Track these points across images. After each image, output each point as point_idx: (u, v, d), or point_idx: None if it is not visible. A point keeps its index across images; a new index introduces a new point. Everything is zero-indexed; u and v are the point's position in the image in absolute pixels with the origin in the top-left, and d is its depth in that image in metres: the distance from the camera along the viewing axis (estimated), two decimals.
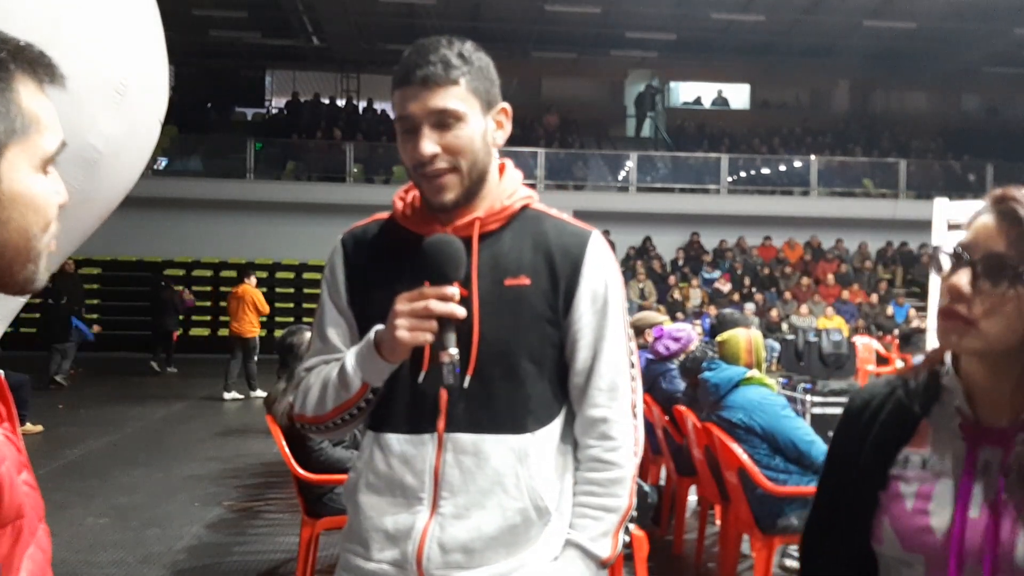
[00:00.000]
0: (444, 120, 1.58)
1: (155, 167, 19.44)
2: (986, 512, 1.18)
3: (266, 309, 13.05)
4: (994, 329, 1.16)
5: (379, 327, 1.59)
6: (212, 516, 6.32)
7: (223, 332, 19.43)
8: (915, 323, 14.22)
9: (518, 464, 1.61)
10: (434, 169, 1.59)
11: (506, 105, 1.68)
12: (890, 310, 17.57)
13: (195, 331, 19.25)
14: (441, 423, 1.62)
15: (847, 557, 1.32)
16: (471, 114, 1.60)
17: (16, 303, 3.66)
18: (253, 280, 13.19)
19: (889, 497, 1.27)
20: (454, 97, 1.58)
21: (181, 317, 17.46)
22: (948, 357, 1.29)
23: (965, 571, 1.19)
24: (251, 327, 12.80)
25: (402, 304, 1.53)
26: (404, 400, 1.65)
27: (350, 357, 1.64)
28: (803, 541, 1.45)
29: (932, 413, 1.29)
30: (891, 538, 1.26)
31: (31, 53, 1.01)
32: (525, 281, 1.64)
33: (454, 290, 1.52)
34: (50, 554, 1.08)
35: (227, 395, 12.56)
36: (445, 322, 1.52)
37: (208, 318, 19.26)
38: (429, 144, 1.58)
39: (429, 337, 1.52)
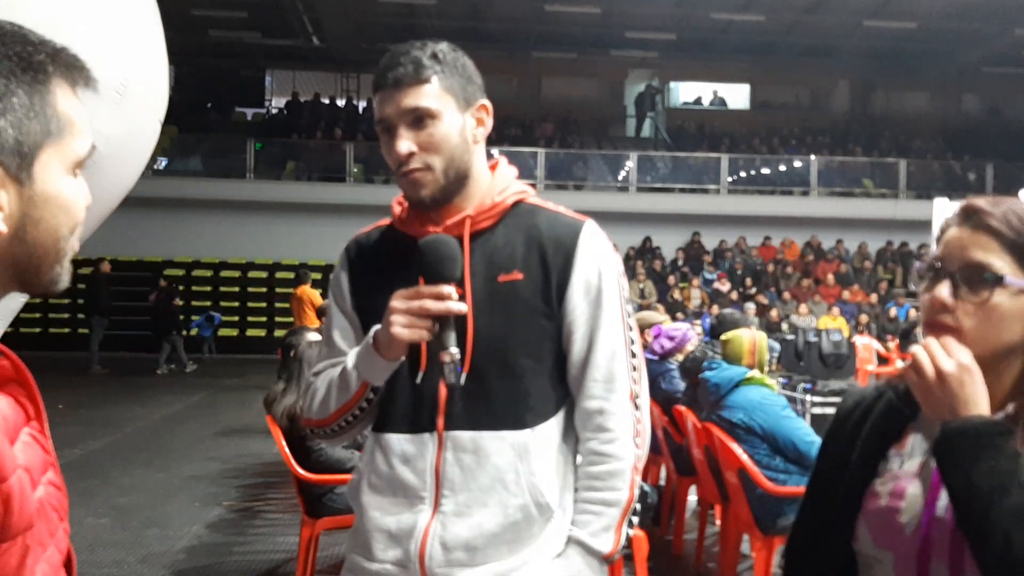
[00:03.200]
0: (418, 118, 1.60)
1: (155, 167, 19.43)
2: (951, 511, 1.21)
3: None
4: (980, 334, 1.21)
5: (377, 327, 1.60)
6: (212, 516, 6.32)
7: (225, 332, 19.53)
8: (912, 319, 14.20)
9: (518, 460, 1.61)
10: (410, 168, 1.61)
11: (486, 102, 1.69)
12: (893, 311, 17.52)
13: (195, 331, 19.22)
14: (440, 421, 1.62)
15: (830, 557, 1.35)
16: (445, 112, 1.62)
17: (16, 303, 3.66)
18: (309, 282, 13.68)
19: (867, 496, 1.31)
20: (426, 95, 1.60)
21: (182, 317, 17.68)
22: None
23: (930, 568, 1.22)
24: (312, 324, 13.39)
25: (397, 301, 1.54)
26: (404, 400, 1.65)
27: (351, 357, 1.65)
28: (789, 540, 1.47)
29: (919, 417, 1.32)
30: (865, 535, 1.30)
31: (68, 57, 1.01)
32: (518, 276, 1.65)
33: (450, 289, 1.53)
34: (65, 553, 1.09)
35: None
36: (444, 322, 1.53)
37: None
38: (405, 143, 1.60)
39: (425, 335, 1.53)
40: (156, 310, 16.83)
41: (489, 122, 1.70)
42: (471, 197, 1.68)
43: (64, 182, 1.00)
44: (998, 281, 1.19)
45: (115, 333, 17.00)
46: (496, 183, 1.71)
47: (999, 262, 1.20)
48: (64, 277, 1.05)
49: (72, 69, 1.02)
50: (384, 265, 1.72)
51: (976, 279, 1.20)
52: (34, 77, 0.97)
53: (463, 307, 1.54)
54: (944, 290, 1.22)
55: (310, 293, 13.50)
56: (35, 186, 0.97)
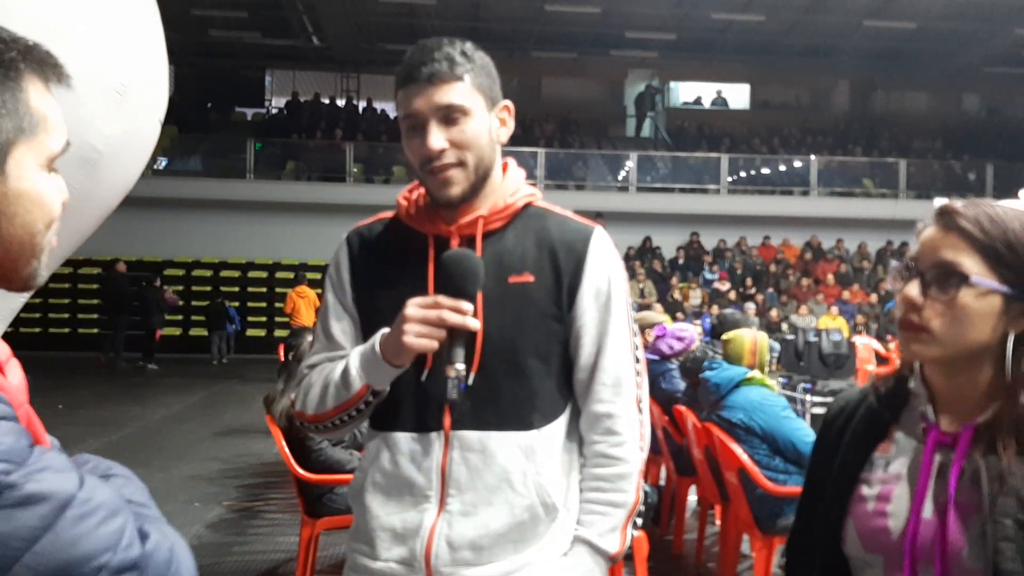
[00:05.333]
0: (451, 115, 1.59)
1: (155, 167, 19.44)
2: (937, 513, 1.22)
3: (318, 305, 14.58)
4: (948, 333, 1.22)
5: (385, 330, 1.58)
6: (212, 516, 6.32)
7: None
8: None
9: (525, 461, 1.61)
10: (442, 164, 1.60)
11: (508, 103, 1.69)
12: (896, 312, 17.47)
13: (195, 331, 19.23)
14: (447, 421, 1.62)
15: (827, 561, 1.35)
16: (477, 110, 1.61)
17: (16, 302, 3.66)
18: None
19: (854, 500, 1.32)
20: (460, 93, 1.59)
21: (179, 317, 17.85)
22: (917, 364, 1.33)
23: (918, 571, 1.23)
24: (310, 321, 14.81)
25: (413, 310, 1.53)
26: (410, 399, 1.65)
27: (354, 357, 1.64)
28: (788, 545, 1.48)
29: (901, 418, 1.33)
30: (854, 539, 1.30)
31: (40, 53, 1.02)
32: (529, 278, 1.65)
33: (469, 305, 1.53)
34: None
35: None
36: (455, 335, 1.52)
37: (204, 318, 19.22)
38: (438, 139, 1.59)
39: (435, 345, 1.53)
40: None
41: (511, 123, 1.70)
42: (485, 197, 1.68)
43: (38, 178, 1.01)
44: (964, 280, 1.20)
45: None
46: (507, 184, 1.71)
47: (968, 262, 1.21)
48: (42, 273, 1.05)
49: (45, 66, 1.02)
50: (389, 260, 1.71)
51: (944, 278, 1.22)
52: (5, 74, 0.97)
53: (477, 324, 1.54)
54: (914, 289, 1.24)
55: (312, 293, 14.69)
56: (8, 182, 0.98)
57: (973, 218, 1.22)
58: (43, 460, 0.91)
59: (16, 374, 1.02)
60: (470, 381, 1.59)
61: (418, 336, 1.52)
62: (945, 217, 1.24)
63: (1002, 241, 1.21)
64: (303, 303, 15.00)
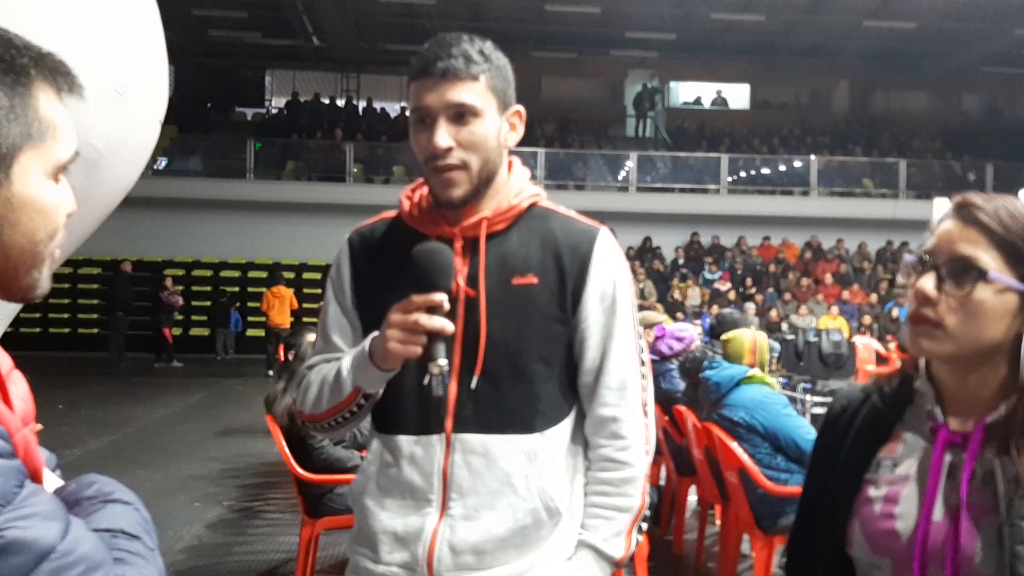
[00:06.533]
0: (461, 114, 1.57)
1: (155, 167, 19.44)
2: (948, 516, 1.19)
3: (295, 304, 16.06)
4: (961, 330, 1.18)
5: (374, 334, 1.57)
6: (212, 516, 6.32)
7: None
8: None
9: (527, 464, 1.60)
10: (446, 163, 1.57)
11: (520, 108, 1.67)
12: (895, 312, 17.49)
13: (195, 331, 19.24)
14: (449, 424, 1.61)
15: (828, 563, 1.33)
16: (488, 111, 1.59)
17: (16, 303, 3.66)
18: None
19: (860, 501, 1.29)
20: (473, 92, 1.57)
21: (180, 316, 17.87)
22: (922, 363, 1.30)
23: (928, 574, 1.20)
24: (286, 320, 15.68)
25: (395, 315, 1.52)
26: (412, 402, 1.64)
27: (347, 360, 1.63)
28: (788, 546, 1.46)
29: (906, 418, 1.30)
30: (860, 542, 1.28)
31: (52, 61, 1.01)
32: (532, 280, 1.63)
33: (442, 297, 1.50)
34: None
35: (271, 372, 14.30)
36: (434, 333, 1.50)
37: (206, 318, 19.23)
38: (444, 136, 1.56)
39: (418, 351, 1.51)
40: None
41: (521, 128, 1.67)
42: (490, 198, 1.66)
43: (44, 186, 1.00)
44: (981, 275, 1.17)
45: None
46: (512, 185, 1.69)
47: (985, 257, 1.18)
48: (43, 283, 1.03)
49: (56, 74, 1.01)
50: (390, 262, 1.69)
51: (960, 272, 1.18)
52: (15, 80, 0.96)
53: (452, 328, 1.52)
54: (929, 282, 1.20)
55: (290, 292, 15.80)
56: (12, 188, 0.97)
57: (993, 212, 1.19)
58: (30, 504, 0.88)
59: (20, 385, 1.01)
60: (477, 372, 1.58)
61: (399, 342, 1.50)
62: (964, 210, 1.21)
63: (1022, 237, 1.18)
64: (277, 303, 15.64)
